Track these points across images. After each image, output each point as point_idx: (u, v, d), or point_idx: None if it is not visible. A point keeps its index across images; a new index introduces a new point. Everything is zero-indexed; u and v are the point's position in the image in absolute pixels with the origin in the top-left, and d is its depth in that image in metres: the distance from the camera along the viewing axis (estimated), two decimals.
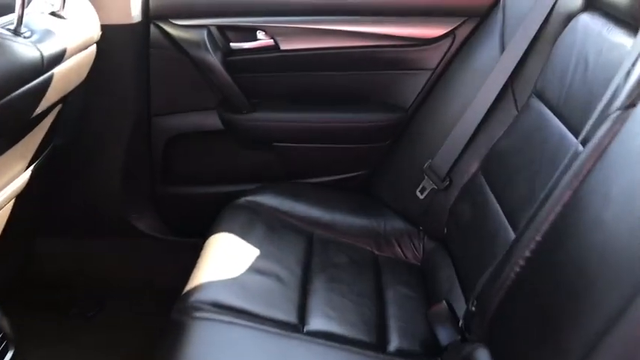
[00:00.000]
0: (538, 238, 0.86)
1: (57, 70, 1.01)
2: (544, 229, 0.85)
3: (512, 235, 0.99)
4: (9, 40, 0.90)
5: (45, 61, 0.96)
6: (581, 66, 1.01)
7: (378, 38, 1.41)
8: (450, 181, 1.28)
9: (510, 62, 1.21)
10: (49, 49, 0.97)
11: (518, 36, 1.20)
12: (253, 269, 1.11)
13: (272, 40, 1.42)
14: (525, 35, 1.19)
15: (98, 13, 1.23)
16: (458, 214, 1.25)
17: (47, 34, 0.99)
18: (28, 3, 1.02)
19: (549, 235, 0.85)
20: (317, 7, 1.41)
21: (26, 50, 0.92)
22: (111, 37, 1.26)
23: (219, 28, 1.42)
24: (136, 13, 1.34)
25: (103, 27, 1.22)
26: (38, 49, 0.94)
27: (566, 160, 0.88)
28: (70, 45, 1.04)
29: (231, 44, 1.44)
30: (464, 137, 1.27)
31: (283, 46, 1.42)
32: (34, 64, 0.93)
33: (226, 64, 1.42)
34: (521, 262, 0.87)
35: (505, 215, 1.05)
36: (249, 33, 1.43)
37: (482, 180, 1.19)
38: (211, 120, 1.50)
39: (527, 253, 0.86)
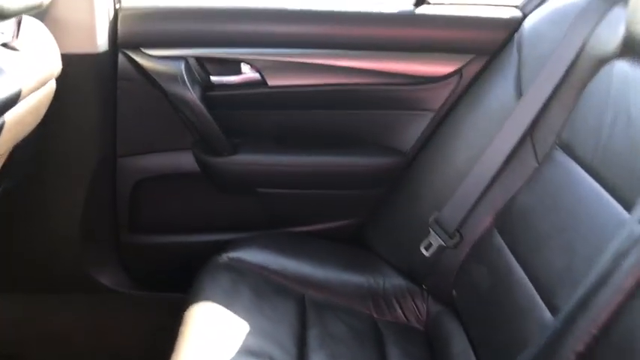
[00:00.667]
0: (594, 331, 0.74)
1: (9, 116, 0.84)
2: (602, 320, 0.73)
3: (548, 316, 0.86)
4: None
5: None
6: (622, 120, 0.90)
7: (375, 75, 1.27)
8: (461, 237, 1.15)
9: (531, 109, 1.09)
10: None
11: (540, 80, 1.08)
12: (242, 350, 0.95)
13: (258, 75, 1.27)
14: (548, 80, 1.07)
15: (58, 41, 1.06)
16: (470, 276, 1.11)
17: None
18: None
19: (611, 329, 0.72)
20: (309, 39, 1.26)
21: None
22: (72, 68, 1.10)
23: (198, 59, 1.26)
24: (102, 41, 1.18)
25: (64, 56, 1.06)
26: None
27: (620, 240, 0.76)
28: (25, 84, 0.88)
29: (212, 77, 1.28)
30: (477, 189, 1.13)
31: (271, 82, 1.27)
32: None
33: (205, 99, 1.26)
34: (573, 358, 0.75)
35: (536, 289, 0.92)
36: (233, 66, 1.28)
37: (499, 239, 1.06)
38: (186, 161, 1.34)
39: (581, 348, 0.74)
